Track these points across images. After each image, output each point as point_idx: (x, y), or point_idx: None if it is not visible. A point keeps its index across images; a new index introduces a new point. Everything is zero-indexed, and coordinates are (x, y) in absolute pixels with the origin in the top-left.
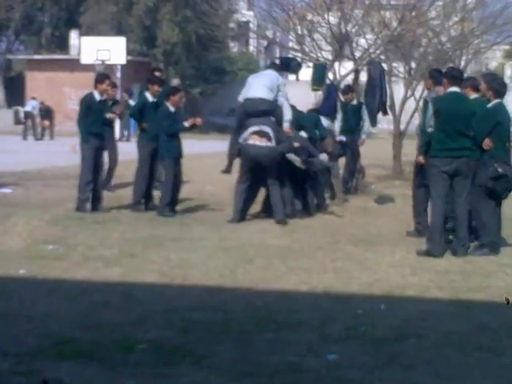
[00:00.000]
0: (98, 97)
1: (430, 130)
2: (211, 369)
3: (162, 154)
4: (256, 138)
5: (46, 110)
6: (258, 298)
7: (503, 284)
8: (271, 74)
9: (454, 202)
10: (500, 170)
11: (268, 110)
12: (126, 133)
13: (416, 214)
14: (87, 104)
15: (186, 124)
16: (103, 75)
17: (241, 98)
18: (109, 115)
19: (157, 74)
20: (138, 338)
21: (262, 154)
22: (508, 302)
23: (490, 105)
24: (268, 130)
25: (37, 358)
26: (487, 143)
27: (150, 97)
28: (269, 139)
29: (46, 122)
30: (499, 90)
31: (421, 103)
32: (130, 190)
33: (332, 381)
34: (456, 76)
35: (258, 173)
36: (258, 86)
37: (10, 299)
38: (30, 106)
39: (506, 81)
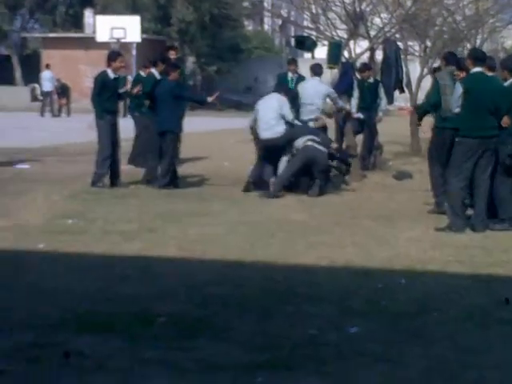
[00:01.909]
0: (111, 75)
1: (457, 110)
2: (230, 342)
3: (171, 128)
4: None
5: (63, 88)
6: (278, 272)
7: None
8: (275, 99)
9: (477, 177)
10: None
11: (288, 140)
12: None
13: (435, 191)
14: (102, 82)
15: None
16: (115, 53)
17: (251, 123)
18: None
19: (172, 52)
20: (157, 312)
21: (319, 157)
22: (508, 302)
23: (507, 83)
24: (316, 137)
25: (58, 331)
26: (505, 121)
27: (157, 74)
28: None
29: (63, 101)
30: None
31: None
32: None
33: (352, 354)
34: (479, 57)
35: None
36: (268, 122)
37: (30, 273)
38: (48, 83)
39: None
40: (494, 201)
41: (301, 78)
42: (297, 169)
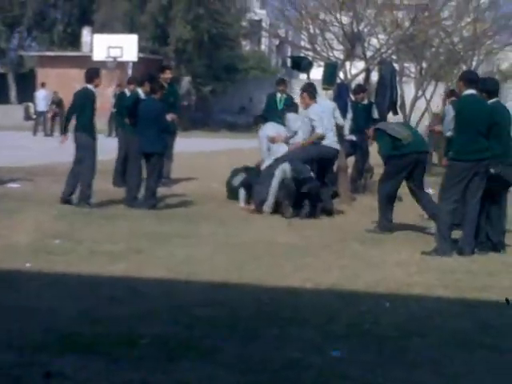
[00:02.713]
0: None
1: (449, 133)
2: (216, 364)
3: (157, 150)
4: None
5: (59, 102)
6: (264, 294)
7: (508, 283)
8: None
9: (467, 201)
10: (492, 170)
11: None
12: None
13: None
14: (91, 99)
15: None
16: (97, 70)
17: (270, 133)
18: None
19: (167, 71)
20: (143, 333)
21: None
22: (508, 303)
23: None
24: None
25: (40, 351)
26: None
27: (142, 94)
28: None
29: (57, 110)
30: (492, 89)
31: (432, 104)
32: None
33: (335, 377)
34: (472, 79)
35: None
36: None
37: (16, 292)
38: (42, 102)
39: None
40: (480, 224)
41: (289, 99)
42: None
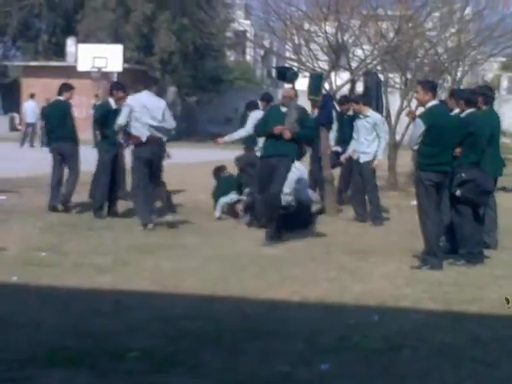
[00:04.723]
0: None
1: (416, 147)
2: (202, 378)
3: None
4: None
5: None
6: (250, 307)
7: (496, 296)
8: None
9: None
10: (464, 175)
11: None
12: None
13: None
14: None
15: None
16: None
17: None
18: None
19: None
20: (129, 347)
21: None
22: (508, 302)
23: (463, 114)
24: None
25: (27, 366)
26: (458, 151)
27: (113, 103)
28: None
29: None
30: (470, 99)
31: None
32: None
33: None
34: (435, 87)
35: None
36: None
37: (2, 306)
38: (31, 113)
39: (503, 92)
40: (456, 236)
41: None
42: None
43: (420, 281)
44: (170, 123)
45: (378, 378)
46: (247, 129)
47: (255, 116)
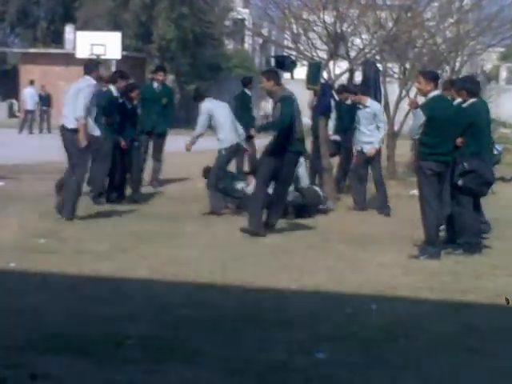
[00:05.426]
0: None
1: (417, 136)
2: (200, 366)
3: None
4: None
5: (47, 97)
6: (249, 295)
7: (493, 286)
8: None
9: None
10: (465, 165)
11: None
12: None
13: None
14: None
15: None
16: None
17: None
18: None
19: (160, 73)
20: (128, 334)
21: None
22: (508, 302)
23: (465, 104)
24: None
25: (26, 352)
26: (460, 141)
27: (115, 91)
28: None
29: (45, 108)
30: (471, 88)
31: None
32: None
33: (320, 380)
34: (437, 77)
35: None
36: None
37: (0, 292)
38: (31, 100)
39: (501, 83)
40: (454, 226)
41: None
42: None
43: (418, 270)
44: None
45: (374, 367)
46: (200, 123)
47: (206, 107)
